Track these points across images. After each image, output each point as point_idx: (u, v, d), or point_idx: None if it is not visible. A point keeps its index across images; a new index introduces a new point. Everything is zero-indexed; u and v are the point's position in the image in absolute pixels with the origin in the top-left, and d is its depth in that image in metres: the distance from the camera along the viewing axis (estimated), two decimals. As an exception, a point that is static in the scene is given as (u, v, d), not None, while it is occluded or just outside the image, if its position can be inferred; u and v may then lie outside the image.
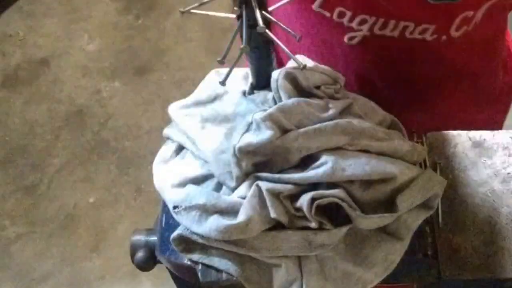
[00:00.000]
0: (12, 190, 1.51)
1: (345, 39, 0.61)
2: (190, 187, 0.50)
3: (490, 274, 0.54)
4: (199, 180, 0.51)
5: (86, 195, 1.48)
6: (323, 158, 0.47)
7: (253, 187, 0.47)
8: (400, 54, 0.61)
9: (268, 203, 0.46)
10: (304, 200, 0.46)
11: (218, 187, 0.51)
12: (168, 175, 0.53)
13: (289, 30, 0.43)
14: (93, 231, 1.42)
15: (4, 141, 1.61)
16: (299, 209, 0.47)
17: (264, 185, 0.46)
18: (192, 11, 0.44)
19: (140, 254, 0.56)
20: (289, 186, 0.47)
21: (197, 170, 0.51)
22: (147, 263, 0.56)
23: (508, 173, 0.59)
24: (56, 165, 1.54)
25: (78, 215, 1.45)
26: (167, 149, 0.57)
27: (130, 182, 1.49)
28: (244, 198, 0.47)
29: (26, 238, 1.43)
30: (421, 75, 0.62)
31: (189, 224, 0.49)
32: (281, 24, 0.44)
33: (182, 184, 0.51)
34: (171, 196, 0.51)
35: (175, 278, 0.58)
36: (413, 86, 0.65)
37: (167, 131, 0.57)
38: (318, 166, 0.47)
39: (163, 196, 0.53)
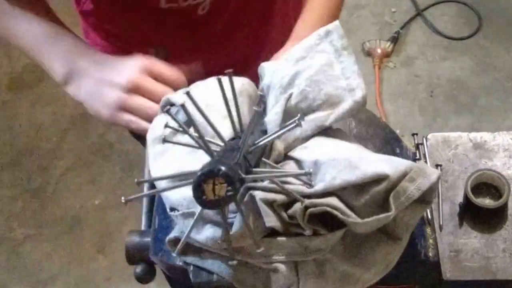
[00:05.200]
0: (19, 192, 1.52)
1: (199, 10, 0.67)
2: (186, 191, 0.49)
3: (491, 276, 0.53)
4: (194, 176, 0.51)
5: (91, 197, 1.49)
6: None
7: (247, 197, 0.46)
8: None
9: (263, 212, 0.45)
10: (296, 209, 0.45)
11: None
12: (164, 169, 0.51)
13: (300, 172, 0.45)
14: (99, 232, 1.43)
15: (11, 144, 1.62)
16: (293, 217, 0.46)
17: (258, 194, 0.46)
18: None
19: (139, 268, 0.57)
20: (283, 196, 0.46)
21: (193, 165, 0.48)
22: (146, 276, 0.57)
23: (509, 175, 0.60)
24: (62, 167, 1.55)
25: (84, 217, 1.46)
26: (161, 122, 0.53)
27: (135, 184, 1.49)
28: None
29: (34, 239, 1.44)
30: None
31: (186, 229, 0.48)
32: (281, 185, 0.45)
33: (177, 180, 0.49)
34: (168, 193, 0.51)
35: (169, 279, 0.58)
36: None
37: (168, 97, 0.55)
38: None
39: (158, 187, 0.52)
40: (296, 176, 0.47)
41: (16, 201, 1.51)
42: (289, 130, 0.44)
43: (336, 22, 0.53)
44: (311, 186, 0.45)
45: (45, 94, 1.69)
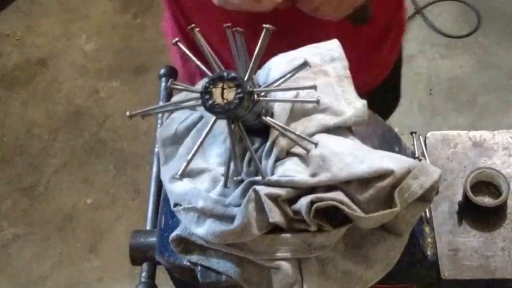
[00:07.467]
0: (9, 191, 1.51)
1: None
2: (188, 185, 0.50)
3: (490, 275, 0.54)
4: (195, 173, 0.51)
5: (84, 196, 1.48)
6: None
7: (250, 192, 0.46)
8: None
9: (267, 208, 0.46)
10: (302, 204, 0.46)
11: (214, 182, 0.50)
12: (173, 169, 0.52)
13: (306, 137, 0.45)
14: (91, 232, 1.42)
15: (2, 142, 1.60)
16: (297, 212, 0.47)
17: (262, 189, 0.46)
18: None
19: None
20: (288, 190, 0.46)
21: (194, 163, 0.50)
22: None
23: (508, 173, 0.59)
24: (54, 166, 1.54)
25: (76, 216, 1.45)
26: (173, 122, 0.54)
27: (128, 183, 1.48)
28: (239, 203, 0.47)
29: (24, 239, 1.43)
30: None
31: (188, 224, 0.49)
32: (295, 139, 0.46)
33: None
34: (171, 189, 0.51)
35: (174, 279, 0.57)
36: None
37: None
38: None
39: (164, 186, 0.53)
40: (303, 89, 0.48)
41: (6, 200, 1.50)
42: (297, 71, 0.45)
43: (340, 51, 0.54)
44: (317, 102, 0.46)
45: (38, 92, 1.68)
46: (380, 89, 0.83)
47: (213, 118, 0.44)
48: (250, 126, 0.48)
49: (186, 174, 0.51)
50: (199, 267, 0.50)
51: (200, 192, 0.49)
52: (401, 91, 1.03)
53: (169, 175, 0.52)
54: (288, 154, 0.50)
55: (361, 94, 0.54)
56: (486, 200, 0.57)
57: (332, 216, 0.47)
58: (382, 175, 0.46)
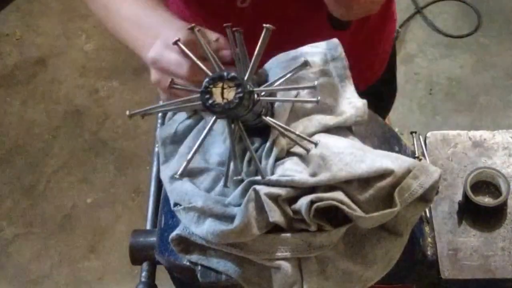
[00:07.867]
0: (9, 190, 1.51)
1: (238, 3, 0.65)
2: (188, 185, 0.50)
3: (490, 275, 0.54)
4: (195, 173, 0.51)
5: (84, 195, 1.48)
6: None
7: (250, 191, 0.46)
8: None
9: (267, 207, 0.46)
10: (302, 204, 0.46)
11: (215, 182, 0.51)
12: (173, 169, 0.52)
13: (306, 137, 0.46)
14: (91, 231, 1.42)
15: (1, 142, 1.60)
16: (297, 212, 0.47)
17: (262, 189, 0.46)
18: None
19: None
20: (288, 189, 0.46)
21: (194, 162, 0.51)
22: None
23: (508, 173, 0.59)
24: (53, 165, 1.54)
25: (76, 215, 1.45)
26: (173, 122, 0.54)
27: (128, 183, 1.48)
28: (239, 202, 0.47)
29: (23, 238, 1.43)
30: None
31: (188, 223, 0.49)
32: (295, 139, 0.46)
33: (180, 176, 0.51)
34: (171, 189, 0.51)
35: (173, 278, 0.57)
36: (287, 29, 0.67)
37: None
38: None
39: (164, 185, 0.53)
40: (303, 88, 0.48)
41: (6, 200, 1.50)
42: (297, 71, 0.46)
43: (340, 50, 0.54)
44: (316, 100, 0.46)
45: (37, 91, 1.68)
46: (377, 85, 0.84)
47: (213, 117, 0.45)
48: (250, 126, 0.48)
49: (186, 173, 0.51)
50: (199, 267, 0.50)
51: (200, 191, 0.49)
52: (402, 91, 1.03)
53: (169, 175, 0.52)
54: (288, 153, 0.50)
55: (360, 92, 0.54)
56: (486, 200, 0.57)
57: (332, 216, 0.48)
58: (382, 175, 0.46)
